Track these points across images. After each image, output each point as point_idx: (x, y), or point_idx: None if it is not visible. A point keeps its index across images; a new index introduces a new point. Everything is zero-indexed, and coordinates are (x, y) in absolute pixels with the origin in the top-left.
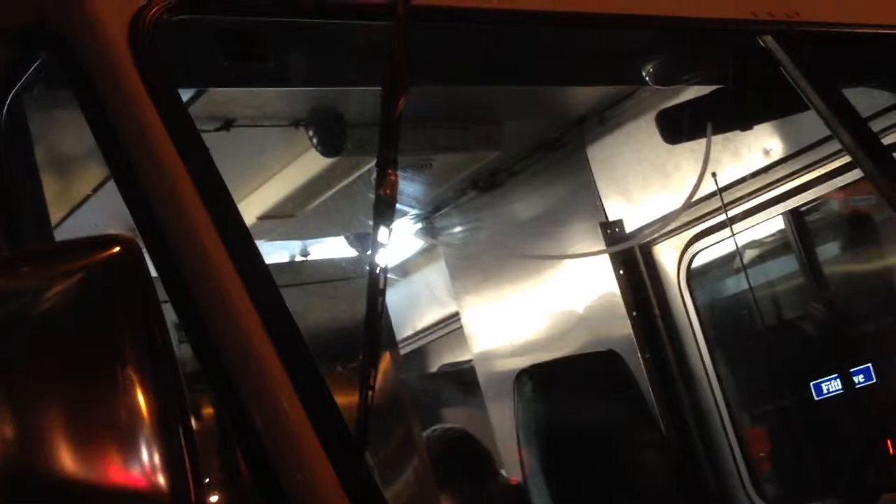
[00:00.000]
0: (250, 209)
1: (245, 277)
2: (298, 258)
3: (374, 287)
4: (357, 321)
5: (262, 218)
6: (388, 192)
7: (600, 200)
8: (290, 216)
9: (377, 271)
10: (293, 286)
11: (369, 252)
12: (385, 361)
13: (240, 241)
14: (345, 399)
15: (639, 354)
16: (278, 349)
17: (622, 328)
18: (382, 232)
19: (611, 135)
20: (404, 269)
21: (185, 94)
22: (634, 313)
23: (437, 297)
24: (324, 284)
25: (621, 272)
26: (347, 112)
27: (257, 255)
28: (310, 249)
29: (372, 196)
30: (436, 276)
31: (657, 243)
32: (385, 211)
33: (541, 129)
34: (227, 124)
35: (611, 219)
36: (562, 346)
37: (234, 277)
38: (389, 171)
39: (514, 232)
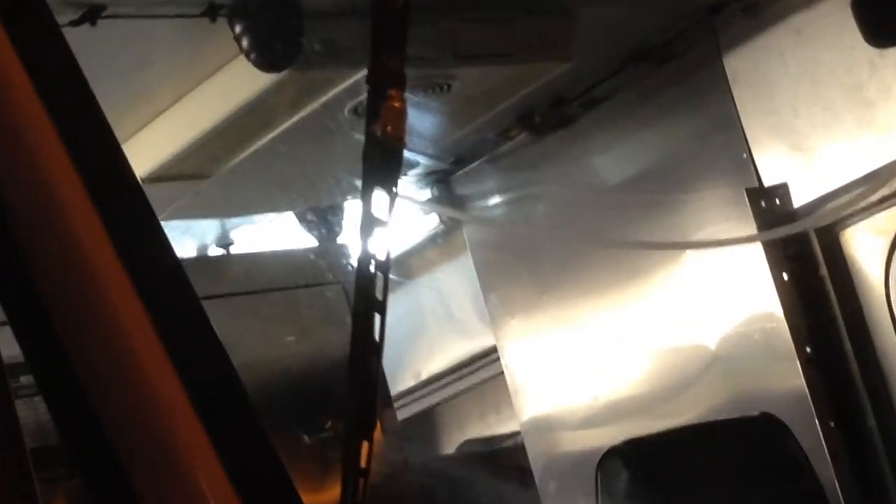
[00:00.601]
0: (132, 164)
1: (141, 281)
2: (215, 249)
3: (365, 300)
4: (330, 359)
5: (151, 179)
6: (389, 128)
7: (748, 150)
8: (201, 176)
9: (370, 271)
10: (217, 297)
11: (340, 237)
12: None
13: (131, 214)
14: (314, 493)
15: (817, 422)
16: (199, 407)
17: (786, 376)
18: (380, 201)
19: (767, 34)
20: (403, 271)
21: None
22: (809, 349)
23: (459, 320)
24: (271, 295)
25: (785, 276)
26: None
27: (162, 239)
28: (234, 235)
29: (357, 137)
30: (457, 282)
31: (850, 225)
32: (383, 163)
33: (640, 26)
34: (92, 14)
35: (766, 182)
36: (676, 407)
37: (121, 280)
38: (391, 92)
39: (592, 204)
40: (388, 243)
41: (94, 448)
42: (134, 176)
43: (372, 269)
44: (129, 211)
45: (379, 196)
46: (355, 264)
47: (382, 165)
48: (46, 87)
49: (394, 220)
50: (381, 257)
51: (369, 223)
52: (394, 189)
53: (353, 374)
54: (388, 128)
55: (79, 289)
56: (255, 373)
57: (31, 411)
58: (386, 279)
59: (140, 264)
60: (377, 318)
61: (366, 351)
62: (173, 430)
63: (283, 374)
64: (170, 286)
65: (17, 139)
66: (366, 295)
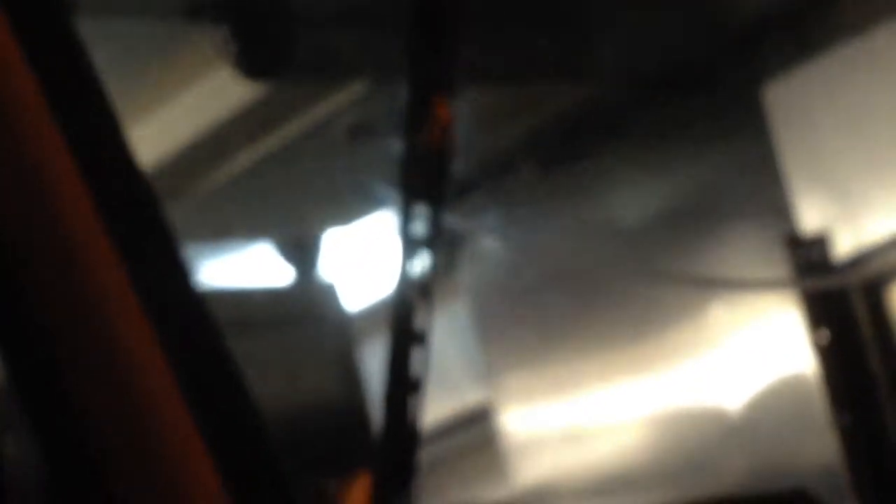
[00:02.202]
0: None
1: (160, 309)
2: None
3: (403, 332)
4: (322, 406)
5: None
6: (436, 140)
7: (786, 194)
8: (173, 198)
9: (410, 298)
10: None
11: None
12: None
13: (147, 227)
14: None
15: (853, 500)
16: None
17: (820, 447)
18: (422, 218)
19: (812, 65)
20: (384, 313)
21: None
22: (848, 419)
23: (449, 373)
24: (240, 336)
25: (823, 336)
26: None
27: (176, 255)
28: (205, 266)
29: (352, 159)
30: (446, 330)
31: None
32: (430, 175)
33: (670, 48)
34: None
35: (805, 230)
36: (694, 478)
37: (129, 307)
38: (438, 98)
39: (606, 249)
40: (431, 266)
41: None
42: (146, 181)
43: (412, 295)
44: (139, 218)
45: (422, 212)
46: (386, 291)
47: (428, 181)
48: (50, 72)
49: (439, 239)
50: (424, 282)
51: (411, 243)
52: (441, 207)
53: (390, 418)
54: (435, 139)
55: (76, 315)
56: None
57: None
58: (430, 307)
59: (157, 293)
60: (418, 351)
61: (404, 390)
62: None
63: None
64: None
65: (13, 132)
66: (404, 325)
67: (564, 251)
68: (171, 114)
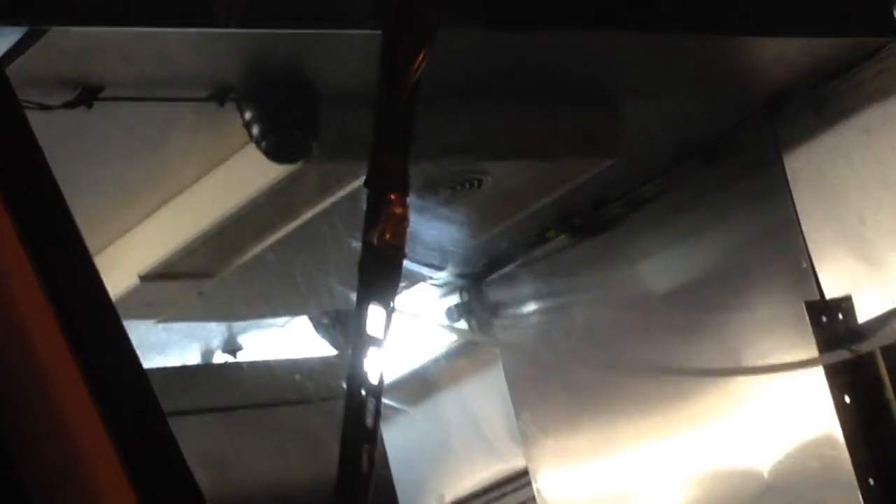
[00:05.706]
0: (127, 260)
1: (106, 402)
2: (221, 357)
3: (354, 428)
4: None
5: (150, 277)
6: (388, 236)
7: (809, 258)
8: (206, 276)
9: (361, 396)
10: (212, 411)
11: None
12: None
13: (96, 323)
14: None
15: None
16: None
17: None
18: (376, 317)
19: (832, 132)
20: (426, 383)
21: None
22: (871, 480)
23: (488, 439)
24: (281, 409)
25: (847, 399)
26: (320, 76)
27: (130, 353)
28: (242, 339)
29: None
30: (486, 396)
31: None
32: (380, 274)
33: (692, 120)
34: (89, 95)
35: (828, 294)
36: None
37: (82, 399)
38: (392, 196)
39: (635, 315)
40: (382, 365)
41: None
42: (96, 273)
43: (363, 392)
44: (89, 314)
45: (375, 312)
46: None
47: (380, 277)
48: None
49: (389, 339)
50: (374, 380)
51: (362, 341)
52: (391, 304)
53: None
54: (387, 236)
55: (27, 406)
56: (260, 494)
57: None
58: (378, 405)
59: (101, 375)
60: (366, 447)
61: (354, 483)
62: None
63: (292, 496)
64: (133, 401)
65: None
66: (355, 422)
67: (595, 318)
68: (201, 195)
